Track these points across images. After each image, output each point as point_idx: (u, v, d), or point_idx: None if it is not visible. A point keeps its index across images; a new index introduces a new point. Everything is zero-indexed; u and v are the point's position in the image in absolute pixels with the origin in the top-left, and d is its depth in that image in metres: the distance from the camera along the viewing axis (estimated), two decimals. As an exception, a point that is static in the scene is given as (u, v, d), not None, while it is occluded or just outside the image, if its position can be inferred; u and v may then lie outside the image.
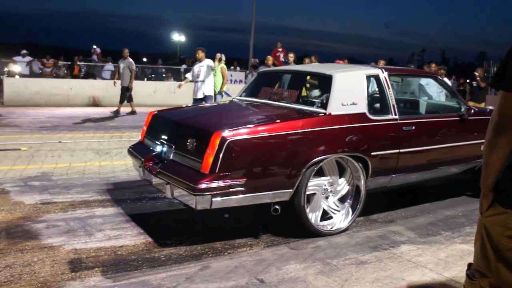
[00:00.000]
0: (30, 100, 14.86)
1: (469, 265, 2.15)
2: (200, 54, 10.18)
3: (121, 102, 13.87)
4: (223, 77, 11.14)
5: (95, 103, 15.86)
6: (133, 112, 13.94)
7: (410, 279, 3.50)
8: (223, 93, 11.16)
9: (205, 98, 10.00)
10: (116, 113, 13.72)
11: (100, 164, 6.98)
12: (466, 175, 5.77)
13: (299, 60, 14.27)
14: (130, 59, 13.77)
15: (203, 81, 9.96)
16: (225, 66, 11.40)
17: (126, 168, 6.74)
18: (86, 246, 3.88)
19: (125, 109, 14.11)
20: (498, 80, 1.89)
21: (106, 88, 16.33)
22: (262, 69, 9.57)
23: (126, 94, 13.82)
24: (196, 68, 10.17)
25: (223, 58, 11.45)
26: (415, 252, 4.05)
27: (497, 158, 1.89)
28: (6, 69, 18.81)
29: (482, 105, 11.62)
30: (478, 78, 12.18)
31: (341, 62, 11.30)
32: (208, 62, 10.06)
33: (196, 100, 10.13)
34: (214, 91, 11.15)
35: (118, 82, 14.02)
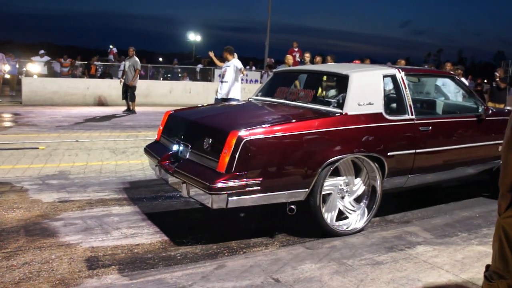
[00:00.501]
0: (48, 100, 15.00)
1: (487, 266, 2.13)
2: (225, 54, 9.86)
3: (132, 100, 13.93)
4: None
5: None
6: (132, 111, 13.91)
7: (426, 280, 3.48)
8: None
9: (230, 100, 9.74)
10: (132, 112, 13.79)
11: (116, 163, 7.04)
12: (483, 176, 5.72)
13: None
14: (136, 58, 13.79)
15: (227, 81, 9.61)
16: None
17: (142, 167, 6.79)
18: (103, 244, 3.91)
19: (137, 108, 14.15)
20: None
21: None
22: (281, 68, 9.45)
23: (132, 92, 13.87)
24: (223, 68, 9.91)
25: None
26: (431, 253, 4.03)
27: None
28: (24, 69, 19.05)
29: (502, 106, 11.50)
30: (497, 79, 12.06)
31: (358, 62, 11.23)
32: (235, 62, 9.70)
33: (220, 100, 10.03)
34: None
35: (123, 80, 14.07)
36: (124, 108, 14.11)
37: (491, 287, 2.03)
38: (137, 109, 14.10)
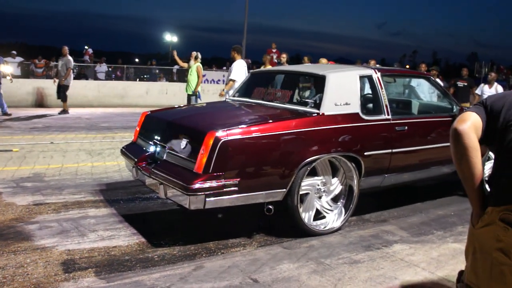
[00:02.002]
0: (22, 101, 14.76)
1: (460, 273, 2.11)
2: (233, 53, 9.25)
3: (64, 100, 13.69)
4: (198, 77, 10.83)
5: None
6: (64, 111, 13.64)
7: (403, 278, 3.52)
8: (197, 94, 10.92)
9: None
10: (64, 112, 13.56)
11: (92, 164, 6.96)
12: (457, 175, 5.79)
13: (291, 61, 14.25)
14: (69, 57, 13.73)
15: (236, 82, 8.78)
16: (200, 65, 11.11)
17: (119, 168, 6.72)
18: (79, 247, 3.87)
19: (114, 110, 13.96)
20: None
21: (98, 89, 16.29)
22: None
23: (64, 92, 13.70)
24: (230, 68, 9.25)
25: (199, 56, 11.16)
26: (407, 251, 4.07)
27: (470, 166, 1.89)
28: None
29: (467, 105, 11.72)
30: (465, 77, 12.47)
31: (332, 63, 11.22)
32: (235, 66, 8.91)
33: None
34: (188, 91, 11.00)
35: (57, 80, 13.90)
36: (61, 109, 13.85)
37: None
38: (113, 110, 13.96)
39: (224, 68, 25.44)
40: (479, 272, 1.92)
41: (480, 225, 1.92)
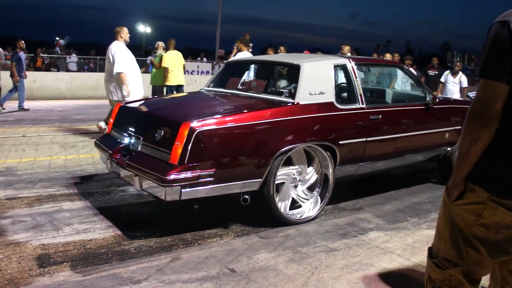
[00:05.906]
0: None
1: (430, 249, 2.13)
2: (240, 45, 8.92)
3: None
4: (159, 68, 10.63)
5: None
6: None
7: (379, 265, 3.56)
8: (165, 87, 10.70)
9: None
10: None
11: (66, 157, 6.86)
12: (431, 162, 5.90)
13: (263, 51, 14.10)
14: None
15: None
16: (165, 55, 10.77)
17: (93, 161, 6.64)
18: (54, 241, 3.81)
19: (87, 101, 13.77)
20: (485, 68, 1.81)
21: (70, 81, 16.03)
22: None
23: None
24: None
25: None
26: (383, 238, 4.12)
27: (479, 149, 1.83)
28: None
29: (438, 93, 11.94)
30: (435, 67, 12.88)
31: (307, 52, 11.24)
32: (243, 55, 8.58)
33: None
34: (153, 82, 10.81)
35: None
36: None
37: (443, 274, 2.01)
38: (87, 102, 13.76)
39: (198, 58, 25.30)
40: (460, 245, 1.92)
41: (463, 202, 1.89)
